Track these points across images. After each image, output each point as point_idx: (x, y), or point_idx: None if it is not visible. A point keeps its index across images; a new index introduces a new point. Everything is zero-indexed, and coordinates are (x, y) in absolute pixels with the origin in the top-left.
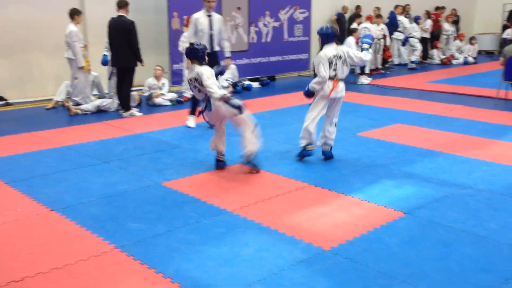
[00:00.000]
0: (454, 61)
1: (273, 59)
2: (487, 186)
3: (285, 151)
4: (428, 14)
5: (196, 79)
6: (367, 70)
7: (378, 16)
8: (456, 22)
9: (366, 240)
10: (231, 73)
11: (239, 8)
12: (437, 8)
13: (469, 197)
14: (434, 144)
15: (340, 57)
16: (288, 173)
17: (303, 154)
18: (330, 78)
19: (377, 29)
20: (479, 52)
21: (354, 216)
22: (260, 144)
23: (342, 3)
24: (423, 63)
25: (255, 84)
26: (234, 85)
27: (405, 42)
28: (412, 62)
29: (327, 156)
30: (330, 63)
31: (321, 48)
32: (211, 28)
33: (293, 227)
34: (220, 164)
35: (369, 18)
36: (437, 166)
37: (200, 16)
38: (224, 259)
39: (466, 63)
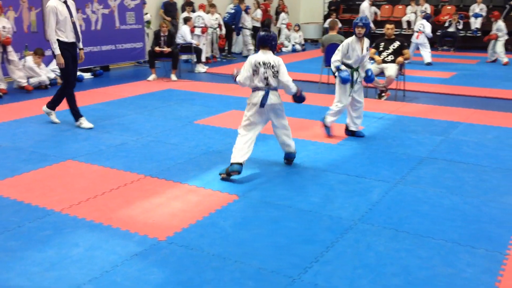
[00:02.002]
0: (283, 49)
1: (105, 48)
2: (312, 163)
3: (120, 144)
4: (258, 4)
5: (270, 65)
6: (203, 59)
7: (212, 5)
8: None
9: (201, 225)
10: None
11: None
12: None
13: (296, 175)
14: (265, 127)
15: None
16: (123, 165)
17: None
18: None
19: (212, 19)
20: (306, 40)
21: (190, 204)
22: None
23: None
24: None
25: (87, 75)
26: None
27: (239, 31)
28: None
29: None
30: None
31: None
32: (71, 15)
33: (127, 221)
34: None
35: (202, 7)
36: (268, 148)
37: (57, 4)
38: (50, 263)
39: (294, 50)
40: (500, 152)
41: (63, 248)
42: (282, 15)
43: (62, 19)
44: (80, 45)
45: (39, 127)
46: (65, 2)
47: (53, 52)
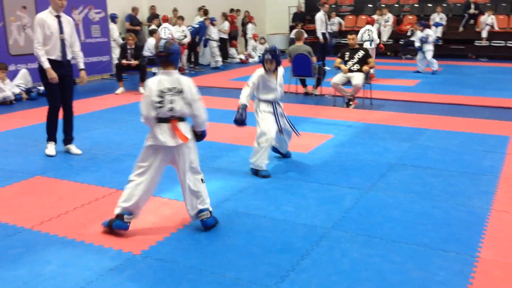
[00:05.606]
0: (250, 60)
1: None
2: (284, 173)
3: (89, 158)
4: (225, 16)
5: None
6: None
7: (180, 17)
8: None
9: (176, 238)
10: (23, 78)
11: (24, 7)
12: (232, 10)
13: (268, 185)
14: (236, 138)
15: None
16: (94, 180)
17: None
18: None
19: (178, 31)
20: None
21: (163, 217)
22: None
23: (139, 3)
24: (224, 63)
25: None
26: (28, 91)
27: (206, 43)
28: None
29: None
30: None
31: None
32: (61, 31)
33: (101, 236)
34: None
35: (166, 20)
36: (240, 159)
37: (46, 17)
38: (23, 281)
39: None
40: (466, 156)
41: (35, 266)
42: (249, 25)
43: (49, 34)
44: (81, 65)
45: (4, 143)
46: (58, 17)
47: (40, 68)
